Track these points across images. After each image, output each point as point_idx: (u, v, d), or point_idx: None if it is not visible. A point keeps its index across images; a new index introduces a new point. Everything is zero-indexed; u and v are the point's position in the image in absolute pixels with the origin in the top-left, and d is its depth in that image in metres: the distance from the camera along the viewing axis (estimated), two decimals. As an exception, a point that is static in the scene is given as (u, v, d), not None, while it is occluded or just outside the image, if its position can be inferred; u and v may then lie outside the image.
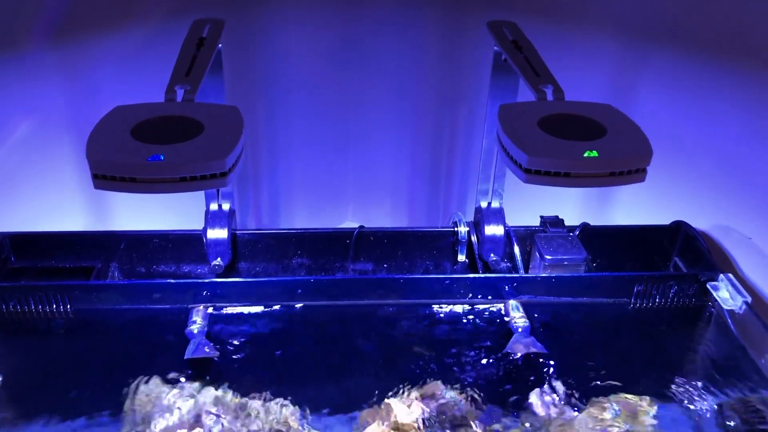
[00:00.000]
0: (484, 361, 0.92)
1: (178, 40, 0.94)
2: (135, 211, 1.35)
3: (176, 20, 1.15)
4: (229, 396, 0.86)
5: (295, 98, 1.48)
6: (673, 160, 1.17)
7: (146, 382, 0.87)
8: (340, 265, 1.13)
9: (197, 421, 0.82)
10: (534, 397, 0.87)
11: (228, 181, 0.74)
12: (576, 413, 0.85)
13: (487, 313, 1.01)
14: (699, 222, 1.13)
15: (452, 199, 1.62)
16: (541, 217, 1.14)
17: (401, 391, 0.87)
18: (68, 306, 0.98)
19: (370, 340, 0.96)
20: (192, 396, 0.85)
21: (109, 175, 0.73)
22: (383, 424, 0.82)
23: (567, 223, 1.13)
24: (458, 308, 1.01)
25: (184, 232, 1.10)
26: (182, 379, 0.88)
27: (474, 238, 1.13)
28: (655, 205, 1.25)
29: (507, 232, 1.11)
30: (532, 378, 0.90)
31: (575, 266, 1.05)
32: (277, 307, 1.00)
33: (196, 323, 0.95)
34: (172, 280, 1.04)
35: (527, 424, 0.83)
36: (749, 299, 0.96)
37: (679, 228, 1.13)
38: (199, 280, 1.04)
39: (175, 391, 0.86)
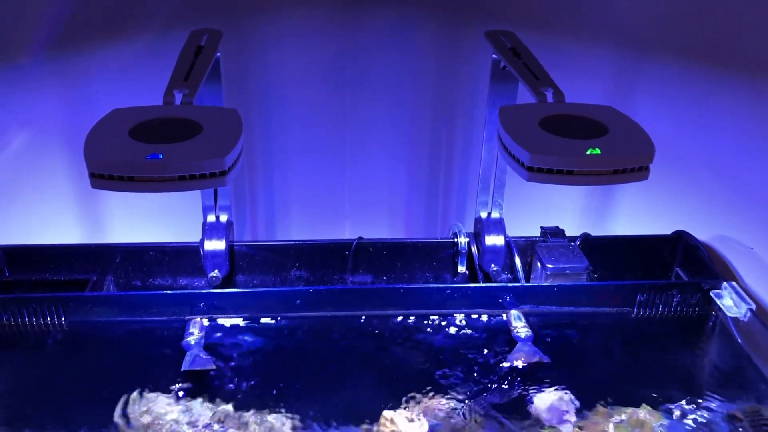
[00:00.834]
0: (487, 371, 0.91)
1: (175, 52, 0.93)
2: (131, 224, 1.34)
3: (173, 32, 1.15)
4: (227, 408, 0.84)
5: (292, 110, 1.47)
6: (672, 169, 1.16)
7: (143, 394, 0.85)
8: (338, 277, 1.12)
9: (195, 433, 0.80)
10: (538, 407, 0.85)
11: (227, 180, 0.73)
12: (580, 423, 0.83)
13: (489, 323, 1.00)
14: (700, 232, 1.12)
15: (450, 211, 1.61)
16: (542, 227, 1.13)
17: (404, 404, 0.85)
18: (63, 318, 0.96)
19: (371, 352, 0.95)
20: (189, 408, 0.84)
21: (107, 174, 0.71)
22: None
23: (567, 234, 1.12)
24: (460, 319, 1.00)
25: (181, 245, 1.09)
26: (180, 392, 0.86)
27: (474, 249, 1.12)
28: (655, 216, 1.24)
29: (507, 243, 1.10)
30: (535, 387, 0.89)
31: (577, 275, 1.04)
32: (275, 318, 0.99)
33: (193, 335, 0.94)
34: (169, 292, 1.03)
35: (531, 434, 0.82)
36: (754, 306, 0.95)
37: (680, 238, 1.13)
38: (196, 291, 1.02)
39: (173, 403, 0.84)
